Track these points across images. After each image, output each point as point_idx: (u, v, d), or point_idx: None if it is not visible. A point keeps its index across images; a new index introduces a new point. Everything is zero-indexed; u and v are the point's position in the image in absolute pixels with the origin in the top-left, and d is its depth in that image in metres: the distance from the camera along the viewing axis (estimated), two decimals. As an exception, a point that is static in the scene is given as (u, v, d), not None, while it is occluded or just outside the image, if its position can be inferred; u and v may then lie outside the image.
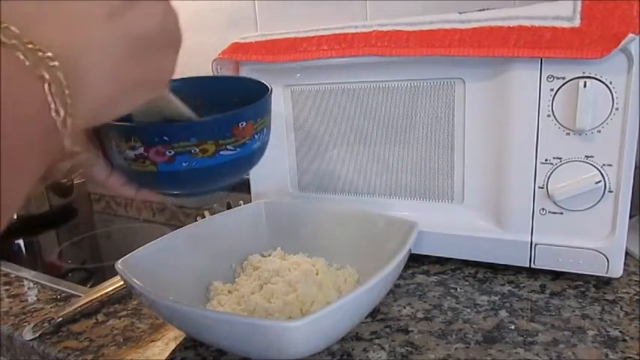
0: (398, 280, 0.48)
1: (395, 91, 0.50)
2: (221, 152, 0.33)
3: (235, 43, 0.56)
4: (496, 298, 0.45)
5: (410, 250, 0.42)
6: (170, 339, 0.42)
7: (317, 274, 0.47)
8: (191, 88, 0.37)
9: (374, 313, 0.43)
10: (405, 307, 0.44)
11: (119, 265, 0.40)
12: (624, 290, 0.45)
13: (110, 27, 0.23)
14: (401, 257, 0.39)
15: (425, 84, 0.48)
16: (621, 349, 0.36)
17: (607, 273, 0.44)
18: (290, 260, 0.49)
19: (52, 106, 0.20)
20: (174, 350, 0.40)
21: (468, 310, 0.43)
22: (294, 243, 0.52)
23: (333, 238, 0.51)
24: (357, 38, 0.49)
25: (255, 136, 0.35)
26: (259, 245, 0.52)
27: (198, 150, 0.31)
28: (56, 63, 0.20)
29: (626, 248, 0.44)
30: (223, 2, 0.84)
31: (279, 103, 0.56)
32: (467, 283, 0.48)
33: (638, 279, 0.46)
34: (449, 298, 0.45)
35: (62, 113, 0.20)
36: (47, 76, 0.20)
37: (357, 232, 0.49)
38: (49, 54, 0.20)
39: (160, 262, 0.44)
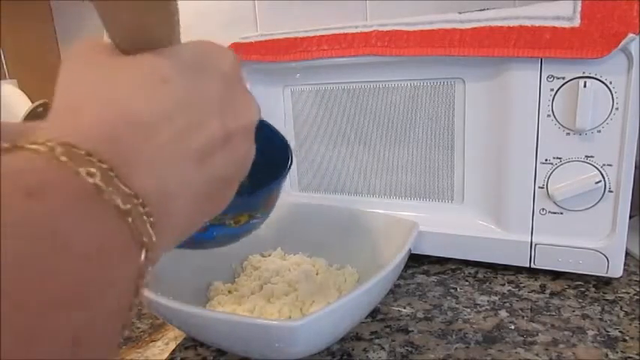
0: (398, 280, 0.48)
1: (395, 91, 0.50)
2: (251, 221, 0.34)
3: (235, 43, 0.56)
4: (496, 298, 0.45)
5: (410, 250, 0.42)
6: (170, 339, 0.42)
7: (317, 274, 0.47)
8: None
9: (374, 313, 0.43)
10: (405, 307, 0.44)
11: None
12: (624, 290, 0.45)
13: (199, 171, 0.21)
14: (401, 257, 0.39)
15: (425, 84, 0.48)
16: (621, 349, 0.36)
17: (607, 273, 0.44)
18: (290, 260, 0.49)
19: (142, 271, 0.18)
20: (174, 350, 0.40)
21: (468, 310, 0.43)
22: (294, 243, 0.52)
23: (333, 238, 0.51)
24: (357, 38, 0.49)
25: (277, 200, 0.36)
26: (259, 245, 0.52)
27: (232, 222, 0.32)
28: (152, 219, 0.18)
29: (626, 248, 0.44)
30: (223, 2, 0.84)
31: (279, 103, 0.56)
32: (467, 283, 0.48)
33: (638, 279, 0.46)
34: (449, 298, 0.45)
35: (149, 270, 0.19)
36: (146, 240, 0.18)
37: (357, 232, 0.49)
38: (148, 209, 0.18)
39: (160, 262, 0.43)
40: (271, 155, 0.33)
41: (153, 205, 0.18)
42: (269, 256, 0.51)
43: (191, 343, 0.41)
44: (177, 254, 0.45)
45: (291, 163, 0.36)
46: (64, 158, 0.16)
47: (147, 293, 0.36)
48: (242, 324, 0.32)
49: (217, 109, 0.22)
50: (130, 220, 0.17)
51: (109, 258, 0.16)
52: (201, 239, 0.32)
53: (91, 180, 0.16)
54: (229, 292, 0.46)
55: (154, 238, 0.18)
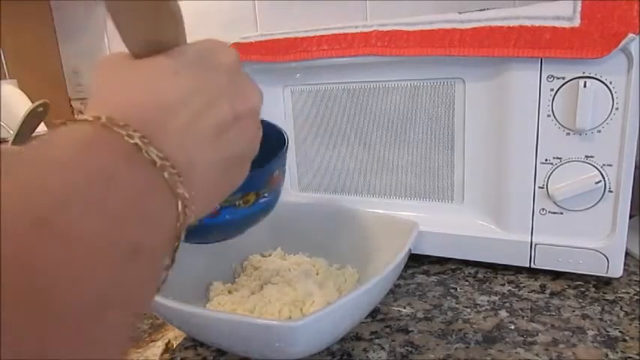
0: (398, 280, 0.48)
1: (395, 91, 0.50)
2: (259, 200, 0.35)
3: (235, 43, 0.56)
4: (496, 298, 0.45)
5: (410, 250, 0.42)
6: (170, 339, 0.42)
7: (317, 274, 0.47)
8: None
9: (374, 313, 0.43)
10: (405, 307, 0.44)
11: None
12: (624, 290, 0.45)
13: (215, 146, 0.24)
14: (401, 257, 0.39)
15: (425, 84, 0.48)
16: (621, 349, 0.36)
17: (607, 273, 0.44)
18: (290, 260, 0.49)
19: (180, 220, 0.21)
20: (174, 350, 0.40)
21: (468, 310, 0.43)
22: (294, 243, 0.52)
23: (333, 238, 0.51)
24: (357, 38, 0.49)
25: (281, 181, 0.38)
26: (259, 245, 0.52)
27: (241, 202, 0.34)
28: (182, 179, 0.21)
29: (626, 248, 0.44)
30: (223, 2, 0.84)
31: (279, 103, 0.56)
32: (467, 283, 0.48)
33: (638, 279, 0.46)
34: (449, 298, 0.45)
35: (182, 228, 0.21)
36: (180, 193, 0.21)
37: (357, 232, 0.49)
38: (177, 171, 0.21)
39: None
40: (269, 145, 0.36)
41: (181, 171, 0.21)
42: (269, 256, 0.51)
43: (191, 343, 0.41)
44: (180, 255, 0.46)
45: (287, 144, 0.39)
46: (108, 124, 0.19)
47: None
48: (243, 324, 0.32)
49: (225, 93, 0.25)
50: (165, 174, 0.20)
51: (152, 198, 0.20)
52: (214, 225, 0.34)
53: (131, 140, 0.19)
54: (229, 292, 0.46)
55: (186, 194, 0.21)
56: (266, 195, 0.36)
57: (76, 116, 0.21)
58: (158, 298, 0.35)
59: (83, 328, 0.15)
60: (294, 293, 0.42)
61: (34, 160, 0.17)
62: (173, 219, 0.21)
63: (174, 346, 0.41)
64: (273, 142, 0.38)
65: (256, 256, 0.51)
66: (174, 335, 0.42)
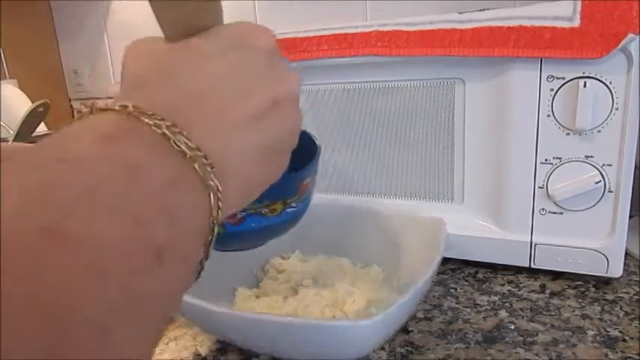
0: (398, 280, 0.48)
1: (395, 91, 0.50)
2: (287, 210, 0.33)
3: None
4: (496, 298, 0.45)
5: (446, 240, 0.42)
6: (170, 339, 0.42)
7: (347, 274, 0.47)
8: None
9: (374, 313, 0.43)
10: (405, 307, 0.44)
11: None
12: (624, 290, 0.45)
13: (252, 133, 0.22)
14: (441, 252, 0.40)
15: (425, 84, 0.49)
16: (621, 349, 0.36)
17: (607, 273, 0.44)
18: (315, 262, 0.49)
19: (214, 214, 0.20)
20: (174, 350, 0.40)
21: (468, 310, 0.43)
22: (312, 244, 0.51)
23: (351, 238, 0.50)
24: (357, 38, 0.49)
25: (311, 191, 0.36)
26: (277, 249, 0.51)
27: (267, 210, 0.32)
28: (215, 170, 0.20)
29: (626, 248, 0.44)
30: (223, 2, 0.84)
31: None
32: (467, 283, 0.48)
33: (638, 279, 0.46)
34: (449, 298, 0.45)
35: (217, 220, 0.20)
36: (213, 185, 0.20)
37: (376, 231, 0.49)
38: (210, 161, 0.20)
39: None
40: (297, 151, 0.34)
41: (215, 161, 0.20)
42: (288, 258, 0.51)
43: (191, 342, 0.41)
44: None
45: (319, 150, 0.36)
46: (135, 114, 0.18)
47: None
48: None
49: (261, 78, 0.24)
50: (196, 165, 0.19)
51: (180, 192, 0.18)
52: (237, 233, 0.32)
53: (159, 130, 0.18)
54: (257, 297, 0.45)
55: (219, 187, 0.20)
56: (294, 205, 0.34)
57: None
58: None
59: (96, 342, 0.14)
60: (332, 294, 0.42)
61: (56, 158, 0.16)
62: (205, 213, 0.20)
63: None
64: (301, 147, 0.37)
65: (277, 259, 0.50)
66: (174, 335, 0.42)
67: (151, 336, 0.17)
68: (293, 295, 0.44)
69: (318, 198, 0.57)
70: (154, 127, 0.18)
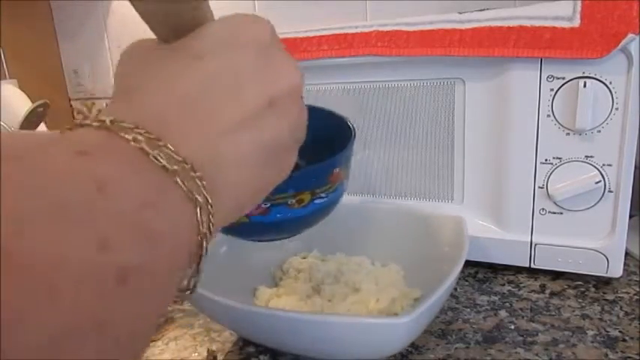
0: (398, 280, 0.48)
1: (395, 91, 0.50)
2: (315, 201, 0.32)
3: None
4: (496, 298, 0.45)
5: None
6: (170, 339, 0.42)
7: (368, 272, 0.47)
8: None
9: (374, 313, 0.43)
10: (405, 307, 0.44)
11: None
12: (624, 290, 0.45)
13: (246, 137, 0.21)
14: (466, 249, 0.40)
15: (425, 84, 0.48)
16: (621, 349, 0.36)
17: (607, 273, 0.44)
18: (337, 260, 0.49)
19: (200, 228, 0.19)
20: (174, 350, 0.40)
21: (468, 310, 0.43)
22: (329, 244, 0.51)
23: (368, 237, 0.50)
24: (357, 38, 0.49)
25: (345, 180, 0.34)
26: (295, 247, 0.51)
27: (294, 201, 0.31)
28: (204, 182, 0.19)
29: (626, 248, 0.44)
30: (223, 2, 0.84)
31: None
32: (467, 283, 0.48)
33: (638, 279, 0.46)
34: (449, 298, 0.45)
35: (207, 235, 0.19)
36: (200, 200, 0.18)
37: (394, 230, 0.49)
38: (199, 174, 0.19)
39: (205, 269, 0.41)
40: (329, 137, 0.32)
41: (205, 172, 0.19)
42: (304, 258, 0.50)
43: (191, 342, 0.41)
44: (220, 262, 0.44)
45: (354, 136, 0.34)
46: (113, 128, 0.18)
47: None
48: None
49: (253, 77, 0.22)
50: (178, 180, 0.18)
51: (157, 210, 0.17)
52: (261, 224, 0.31)
53: (137, 145, 0.17)
54: (277, 296, 0.45)
55: (209, 200, 0.19)
56: (323, 195, 0.32)
57: (76, 116, 0.19)
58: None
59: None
60: (356, 293, 0.42)
61: (21, 172, 0.15)
62: (189, 230, 0.18)
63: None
64: (333, 133, 0.34)
65: (297, 258, 0.50)
66: (174, 335, 0.42)
67: (125, 357, 0.16)
68: (316, 294, 0.43)
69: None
70: (132, 142, 0.17)
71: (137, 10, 0.22)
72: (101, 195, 0.15)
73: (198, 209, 0.18)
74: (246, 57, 0.22)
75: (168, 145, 0.18)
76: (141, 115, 0.19)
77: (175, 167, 0.18)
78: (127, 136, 0.17)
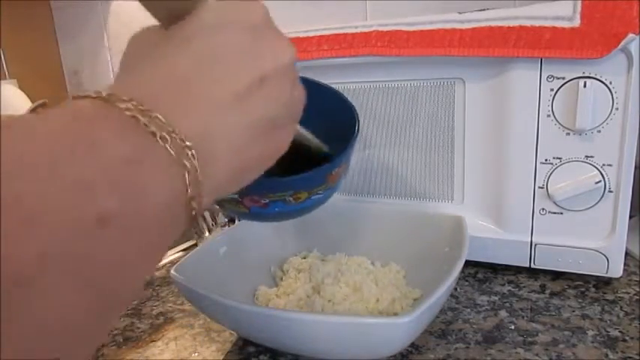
0: (398, 280, 0.48)
1: (395, 91, 0.50)
2: (312, 197, 0.33)
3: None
4: (496, 298, 0.45)
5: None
6: (170, 339, 0.42)
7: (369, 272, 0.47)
8: None
9: (374, 313, 0.43)
10: (405, 307, 0.44)
11: (173, 272, 0.39)
12: (624, 290, 0.45)
13: (239, 112, 0.22)
14: (466, 248, 0.40)
15: (425, 84, 0.48)
16: (621, 349, 0.36)
17: (607, 273, 0.44)
18: (337, 260, 0.49)
19: (188, 193, 0.20)
20: (174, 350, 0.40)
21: (468, 310, 0.43)
22: (328, 244, 0.51)
23: (367, 237, 0.50)
24: (357, 38, 0.49)
25: (343, 176, 0.35)
26: (295, 248, 0.51)
27: (292, 199, 0.32)
28: (194, 152, 0.20)
29: (626, 248, 0.44)
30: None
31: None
32: (467, 283, 0.48)
33: (638, 279, 0.46)
34: (449, 298, 0.45)
35: (196, 200, 0.20)
36: (188, 165, 0.20)
37: (393, 229, 0.49)
38: (188, 143, 0.20)
39: (206, 269, 0.42)
40: (340, 120, 0.33)
41: (196, 144, 0.20)
42: (304, 258, 0.50)
43: (191, 342, 0.41)
44: (219, 261, 0.44)
45: (358, 130, 0.35)
46: (109, 99, 0.19)
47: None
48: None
49: (243, 55, 0.23)
50: (167, 146, 0.19)
51: (143, 167, 0.18)
52: (262, 214, 0.33)
53: (129, 113, 0.19)
54: (277, 296, 0.45)
55: (198, 169, 0.20)
56: (320, 192, 0.34)
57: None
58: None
59: (15, 286, 0.15)
60: (357, 293, 0.42)
61: (18, 134, 0.17)
62: (177, 190, 0.20)
63: None
64: (343, 117, 0.35)
65: (297, 258, 0.50)
66: (174, 335, 0.42)
67: (92, 308, 0.17)
68: (316, 294, 0.43)
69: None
70: (125, 111, 0.19)
71: (142, 2, 0.23)
72: (88, 150, 0.17)
73: (186, 173, 0.20)
74: (235, 36, 0.23)
75: (159, 117, 0.19)
76: (134, 92, 0.20)
77: (164, 134, 0.19)
78: (121, 105, 0.19)
